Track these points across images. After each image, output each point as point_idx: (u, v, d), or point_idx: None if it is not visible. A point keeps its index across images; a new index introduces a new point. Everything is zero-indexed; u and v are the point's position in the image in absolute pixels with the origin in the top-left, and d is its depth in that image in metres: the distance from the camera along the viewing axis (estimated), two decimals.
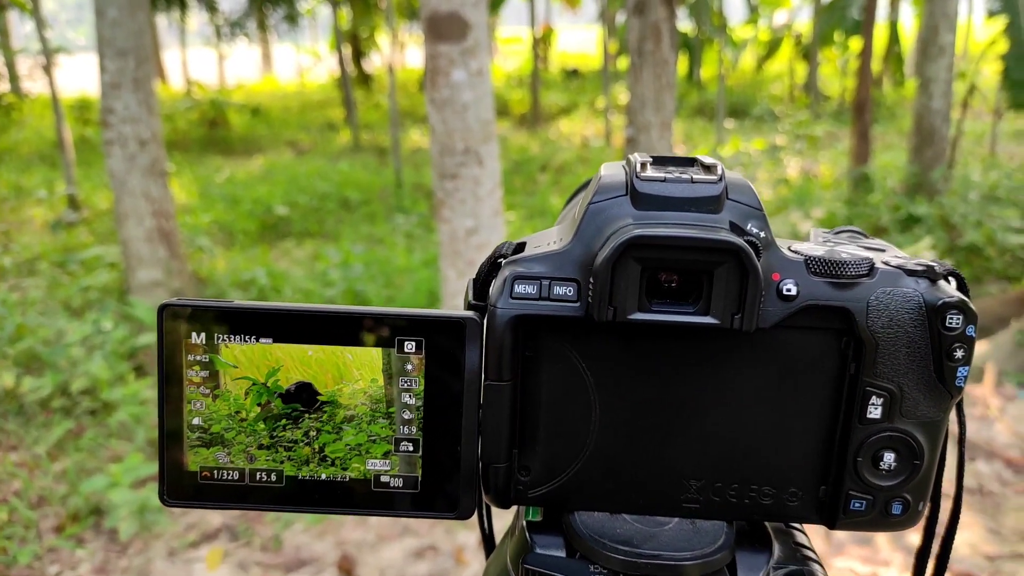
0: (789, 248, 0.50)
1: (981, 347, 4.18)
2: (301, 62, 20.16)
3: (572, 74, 17.40)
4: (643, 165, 0.50)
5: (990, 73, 10.35)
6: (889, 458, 0.51)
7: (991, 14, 7.74)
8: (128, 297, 4.84)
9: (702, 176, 0.49)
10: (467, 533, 2.62)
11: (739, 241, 0.45)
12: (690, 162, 0.52)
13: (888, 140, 10.71)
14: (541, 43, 16.58)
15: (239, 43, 17.07)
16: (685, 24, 13.83)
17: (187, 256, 5.27)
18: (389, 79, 9.16)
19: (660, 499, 0.53)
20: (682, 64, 14.09)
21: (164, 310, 0.49)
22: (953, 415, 0.53)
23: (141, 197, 4.74)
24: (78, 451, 3.31)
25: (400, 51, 19.48)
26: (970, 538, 2.85)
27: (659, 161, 0.52)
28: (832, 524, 0.53)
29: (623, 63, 13.48)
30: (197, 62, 22.64)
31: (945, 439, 0.53)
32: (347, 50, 14.33)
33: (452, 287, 3.37)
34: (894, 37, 13.43)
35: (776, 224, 6.07)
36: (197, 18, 19.09)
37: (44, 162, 9.99)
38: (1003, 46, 7.61)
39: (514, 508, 0.57)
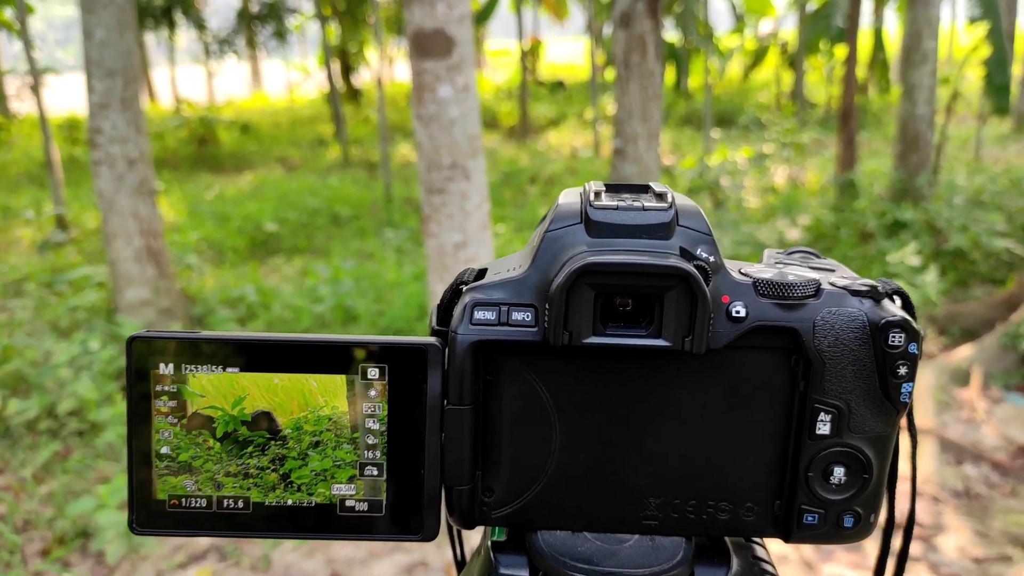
0: (739, 271, 0.52)
1: (967, 350, 4.21)
2: (290, 78, 20.20)
3: (558, 86, 17.48)
4: (597, 194, 0.51)
5: (973, 78, 10.46)
6: (839, 472, 0.52)
7: (972, 20, 7.84)
8: (116, 317, 4.82)
9: (653, 203, 0.50)
10: None
11: (688, 266, 0.47)
12: (643, 189, 0.53)
13: (874, 146, 10.80)
14: (529, 55, 16.67)
15: (228, 60, 17.09)
16: (672, 34, 13.94)
17: (176, 274, 5.26)
18: (378, 94, 9.20)
19: (620, 517, 0.55)
20: (669, 74, 14.19)
21: (132, 342, 0.51)
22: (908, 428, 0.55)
23: (129, 216, 4.74)
24: (65, 473, 3.29)
25: (389, 66, 19.55)
26: (958, 541, 2.86)
27: (613, 189, 0.53)
28: (787, 538, 0.54)
29: (610, 74, 13.56)
30: (186, 80, 22.67)
31: (896, 452, 0.54)
32: (336, 65, 14.37)
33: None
34: (879, 44, 13.56)
35: (764, 232, 6.11)
36: (186, 36, 19.12)
37: (32, 182, 9.97)
38: (985, 51, 7.69)
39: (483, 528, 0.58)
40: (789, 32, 15.49)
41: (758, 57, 15.40)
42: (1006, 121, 11.30)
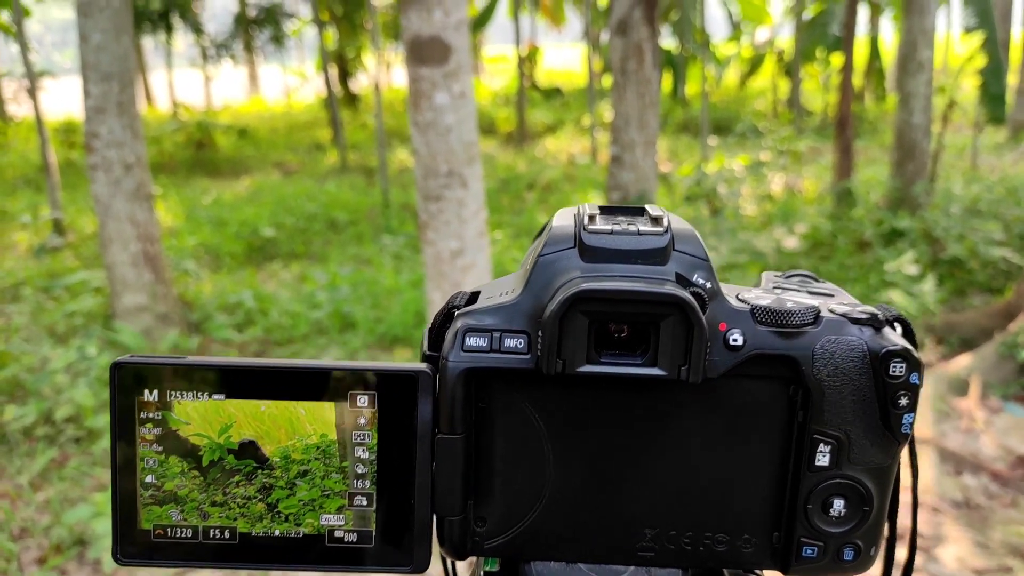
0: (736, 297, 0.51)
1: (966, 360, 4.21)
2: (288, 83, 20.21)
3: (554, 92, 17.50)
4: (591, 217, 0.50)
5: (969, 87, 10.49)
6: (839, 505, 0.51)
7: (968, 30, 7.86)
8: (113, 322, 4.81)
9: (648, 228, 0.49)
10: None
11: (684, 294, 0.46)
12: (639, 211, 0.53)
13: (871, 155, 10.81)
14: (527, 62, 16.69)
15: (225, 64, 17.10)
16: (669, 41, 13.97)
17: (173, 280, 5.25)
18: (376, 99, 9.20)
19: (615, 547, 0.54)
20: (666, 81, 14.20)
21: (117, 368, 0.50)
22: (907, 458, 0.54)
23: (126, 221, 4.73)
24: (62, 480, 3.28)
25: (386, 71, 19.57)
26: (958, 552, 2.85)
27: (608, 211, 0.52)
28: (785, 570, 0.53)
29: (608, 81, 13.58)
30: (183, 84, 22.65)
31: (897, 482, 0.53)
32: (333, 70, 14.38)
33: (437, 309, 3.36)
34: (875, 52, 13.60)
35: (761, 240, 6.10)
36: (183, 40, 19.12)
37: (29, 186, 9.95)
38: (980, 61, 7.72)
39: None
40: (785, 40, 15.54)
41: (755, 65, 15.45)
42: (1001, 130, 11.33)
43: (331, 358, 4.65)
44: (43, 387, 3.84)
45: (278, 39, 15.59)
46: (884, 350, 0.49)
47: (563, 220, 0.52)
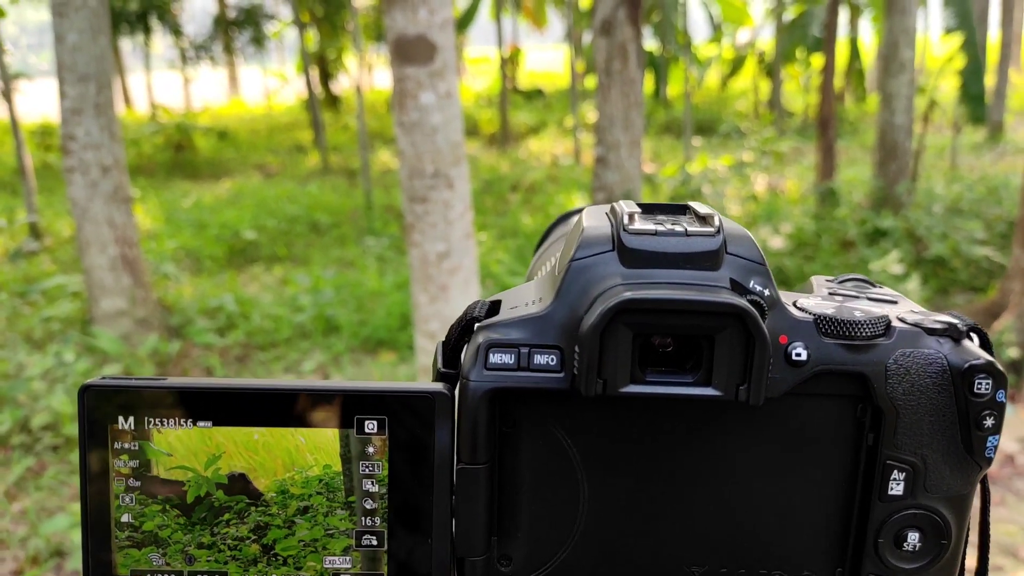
0: (795, 304, 0.45)
1: None
2: (268, 84, 20.06)
3: (536, 94, 17.47)
4: (631, 216, 0.44)
5: (948, 88, 10.58)
6: (913, 538, 0.46)
7: (948, 30, 7.93)
8: (91, 327, 4.71)
9: (697, 228, 0.44)
10: None
11: (743, 303, 0.40)
12: (682, 210, 0.47)
13: (852, 155, 10.87)
14: (509, 63, 16.65)
15: (205, 66, 16.91)
16: (650, 43, 13.99)
17: (152, 284, 5.15)
18: (357, 100, 9.11)
19: None
20: (648, 82, 14.22)
21: (85, 392, 0.43)
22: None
23: (104, 224, 4.63)
24: (39, 490, 3.21)
25: (368, 72, 19.45)
26: None
27: (648, 210, 0.47)
28: None
29: (591, 82, 13.56)
30: (162, 86, 22.40)
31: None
32: (315, 72, 14.25)
33: (424, 312, 3.31)
34: (855, 53, 13.72)
35: None
36: (162, 41, 18.91)
37: (5, 189, 9.78)
38: (960, 62, 7.79)
39: None
40: (766, 41, 15.62)
41: (736, 66, 15.51)
42: (980, 130, 11.44)
43: (314, 362, 4.57)
44: (19, 395, 3.76)
45: (258, 41, 15.45)
46: (967, 364, 0.43)
47: (596, 220, 0.46)
